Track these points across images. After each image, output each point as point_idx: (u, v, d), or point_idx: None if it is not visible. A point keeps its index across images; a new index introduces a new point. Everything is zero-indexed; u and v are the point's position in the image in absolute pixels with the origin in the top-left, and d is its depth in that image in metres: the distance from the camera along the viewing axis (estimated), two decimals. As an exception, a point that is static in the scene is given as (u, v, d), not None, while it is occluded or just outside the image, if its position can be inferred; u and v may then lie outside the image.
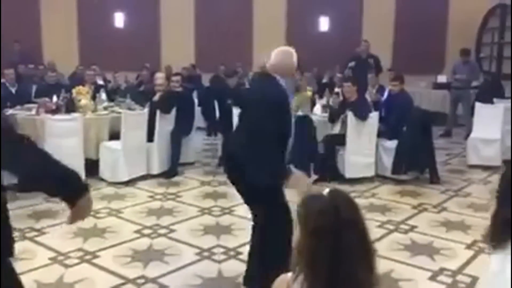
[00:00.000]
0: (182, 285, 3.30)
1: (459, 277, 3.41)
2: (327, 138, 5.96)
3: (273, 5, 11.65)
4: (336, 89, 7.33)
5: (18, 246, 3.94)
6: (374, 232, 4.17)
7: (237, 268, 3.54)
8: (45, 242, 4.00)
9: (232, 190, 5.55)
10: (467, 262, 3.65)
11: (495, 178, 6.02)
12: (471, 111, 7.29)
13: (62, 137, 5.32)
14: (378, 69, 8.64)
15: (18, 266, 3.52)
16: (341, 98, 6.24)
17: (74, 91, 6.15)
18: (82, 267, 3.56)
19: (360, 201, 5.05)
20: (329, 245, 1.29)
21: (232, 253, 3.81)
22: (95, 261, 3.65)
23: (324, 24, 11.63)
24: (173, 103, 6.25)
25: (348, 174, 5.75)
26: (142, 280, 3.34)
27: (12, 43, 10.66)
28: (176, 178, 6.00)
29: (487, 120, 6.67)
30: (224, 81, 7.87)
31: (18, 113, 5.86)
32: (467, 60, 8.91)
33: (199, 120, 7.98)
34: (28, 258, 3.64)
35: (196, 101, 7.93)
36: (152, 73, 7.76)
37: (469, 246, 3.95)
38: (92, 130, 5.80)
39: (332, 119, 6.08)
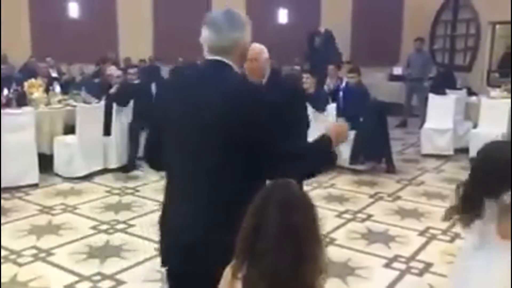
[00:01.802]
0: (141, 281, 3.26)
1: (412, 263, 3.53)
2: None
3: (232, -3, 11.59)
4: None
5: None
6: (332, 222, 4.28)
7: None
8: (-4, 240, 3.86)
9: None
10: (420, 249, 3.78)
11: (448, 167, 6.26)
12: (425, 102, 7.51)
13: (14, 132, 5.13)
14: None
15: (-33, 267, 3.39)
16: None
17: (26, 84, 5.94)
18: (36, 265, 3.47)
19: (318, 192, 5.15)
20: (256, 229, 1.27)
21: (191, 246, 3.80)
22: (49, 258, 3.56)
23: (283, 16, 11.67)
24: (130, 96, 6.13)
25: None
26: (99, 277, 3.28)
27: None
28: (134, 172, 5.91)
29: (440, 111, 6.89)
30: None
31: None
32: (421, 48, 9.23)
33: (158, 113, 7.87)
34: (-22, 258, 3.51)
35: (154, 93, 7.81)
36: (111, 65, 7.59)
37: (422, 233, 4.09)
38: (46, 124, 5.63)
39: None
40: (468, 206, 1.55)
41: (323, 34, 9.43)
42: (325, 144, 1.76)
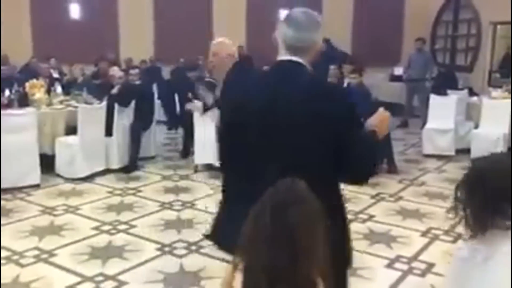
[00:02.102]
0: (143, 282, 3.27)
1: (414, 264, 3.53)
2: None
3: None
4: None
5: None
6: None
7: (198, 262, 3.53)
8: (-2, 241, 3.86)
9: (193, 184, 5.56)
10: (422, 249, 3.78)
11: (449, 167, 6.26)
12: (426, 102, 7.51)
13: (16, 133, 5.13)
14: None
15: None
16: None
17: (27, 85, 5.94)
18: (39, 266, 3.47)
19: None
20: (254, 229, 1.32)
21: (193, 247, 3.80)
22: (52, 259, 3.56)
23: (284, 15, 11.69)
24: (131, 96, 6.14)
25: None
26: (101, 278, 3.28)
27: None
28: (136, 173, 5.91)
29: (441, 111, 6.88)
30: (184, 74, 7.80)
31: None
32: (422, 48, 9.23)
33: (159, 113, 7.88)
34: (-19, 259, 3.51)
35: (156, 94, 7.82)
36: (111, 65, 7.59)
37: (424, 234, 4.09)
38: (47, 124, 5.63)
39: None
40: (477, 223, 1.53)
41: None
42: (373, 138, 1.81)
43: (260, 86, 1.81)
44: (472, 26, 10.16)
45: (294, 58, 1.73)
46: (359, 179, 1.85)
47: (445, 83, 8.12)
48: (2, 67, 7.78)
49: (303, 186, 1.39)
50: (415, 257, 3.63)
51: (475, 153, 6.23)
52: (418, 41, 9.27)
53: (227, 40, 3.25)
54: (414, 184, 5.55)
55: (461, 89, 8.02)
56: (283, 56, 1.76)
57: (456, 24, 10.65)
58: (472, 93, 7.92)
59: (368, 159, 1.75)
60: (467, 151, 6.48)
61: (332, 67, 7.81)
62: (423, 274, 3.39)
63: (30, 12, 11.48)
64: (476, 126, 6.79)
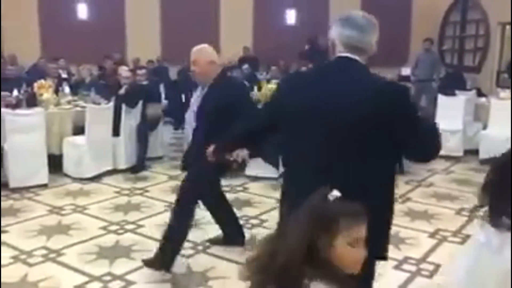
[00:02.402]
0: (150, 281, 3.27)
1: (423, 265, 3.50)
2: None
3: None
4: None
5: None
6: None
7: (205, 262, 3.53)
8: (6, 240, 3.88)
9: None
10: (431, 250, 3.76)
11: (457, 168, 6.22)
12: (434, 103, 7.47)
13: (24, 133, 5.16)
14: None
15: (-22, 267, 3.41)
16: None
17: (36, 85, 5.97)
18: (46, 265, 3.48)
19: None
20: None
21: (200, 247, 3.80)
22: (59, 259, 3.57)
23: (290, 17, 11.67)
24: (139, 97, 6.16)
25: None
26: (109, 277, 3.29)
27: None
28: (143, 173, 5.93)
29: (449, 112, 6.84)
30: (191, 75, 7.79)
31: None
32: (430, 48, 9.19)
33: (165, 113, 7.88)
34: (-11, 258, 3.53)
35: (163, 94, 7.83)
36: (116, 65, 7.62)
37: (432, 235, 4.06)
38: (55, 125, 5.65)
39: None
40: (497, 209, 1.54)
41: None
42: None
43: (320, 81, 1.87)
44: (480, 26, 10.11)
45: (353, 56, 1.84)
46: (429, 158, 1.96)
47: (453, 84, 8.07)
48: (10, 67, 7.83)
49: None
50: (423, 259, 3.61)
51: (484, 154, 6.19)
52: (426, 42, 9.24)
53: (207, 48, 3.25)
54: (422, 185, 5.52)
55: (469, 90, 7.97)
56: (342, 54, 1.86)
57: (464, 25, 10.59)
58: (480, 93, 7.87)
59: (434, 139, 1.85)
60: (475, 152, 6.45)
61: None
62: (431, 275, 3.37)
63: (38, 12, 11.54)
64: (485, 127, 6.75)
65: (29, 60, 9.76)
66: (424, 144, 1.83)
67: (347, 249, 1.31)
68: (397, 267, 3.48)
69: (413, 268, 3.46)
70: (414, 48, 10.53)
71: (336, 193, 1.36)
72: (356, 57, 1.84)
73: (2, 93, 5.89)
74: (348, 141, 1.73)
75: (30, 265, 3.48)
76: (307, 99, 1.82)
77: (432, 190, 5.31)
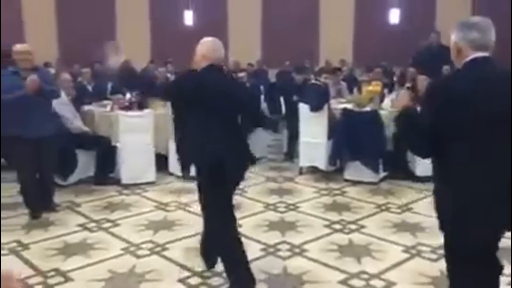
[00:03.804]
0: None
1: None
2: (397, 134, 5.77)
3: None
4: (407, 84, 7.04)
5: (94, 236, 4.18)
6: (320, 231, 4.01)
7: (302, 265, 3.52)
8: (118, 233, 4.19)
9: (297, 186, 5.57)
10: None
11: None
12: None
13: (135, 133, 5.53)
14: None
15: (94, 256, 3.74)
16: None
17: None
18: (152, 258, 3.69)
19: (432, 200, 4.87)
20: None
21: (297, 250, 3.80)
22: (164, 253, 3.77)
23: (394, 16, 11.27)
24: (239, 99, 6.31)
25: (419, 172, 5.53)
26: (209, 274, 3.41)
27: (88, 43, 11.24)
28: (242, 174, 6.05)
29: None
30: (290, 77, 7.84)
31: (95, 110, 6.18)
32: None
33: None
34: (103, 248, 3.84)
35: (262, 96, 7.96)
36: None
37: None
38: (162, 126, 5.98)
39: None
40: None
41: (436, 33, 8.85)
42: None
43: (469, 81, 2.05)
44: None
45: (485, 54, 2.07)
46: None
47: None
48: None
49: None
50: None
51: None
52: None
53: (205, 42, 3.24)
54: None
55: None
56: (475, 54, 2.07)
57: None
58: None
59: None
60: None
61: (445, 67, 7.35)
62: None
63: (149, 19, 12.37)
64: None
65: (141, 64, 10.48)
66: None
67: None
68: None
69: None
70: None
71: None
72: (486, 54, 2.07)
73: (117, 96, 6.39)
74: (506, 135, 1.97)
75: (138, 257, 3.71)
76: (482, 104, 1.98)
77: None
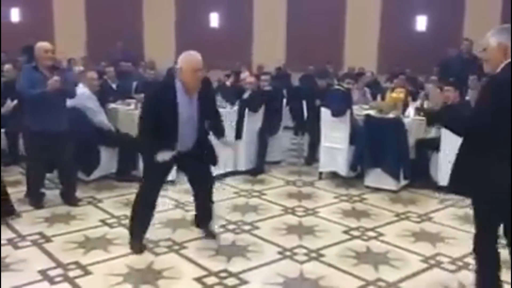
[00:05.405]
0: (263, 282, 3.33)
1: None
2: (420, 142, 5.70)
3: (367, 5, 11.38)
4: (417, 103, 6.87)
5: (114, 232, 4.25)
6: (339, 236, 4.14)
7: (319, 270, 3.51)
8: (137, 230, 4.23)
9: (316, 191, 5.55)
10: None
11: None
12: None
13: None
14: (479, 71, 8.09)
15: (113, 251, 3.80)
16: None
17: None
18: (170, 256, 3.73)
19: (454, 211, 4.81)
20: None
21: (314, 254, 3.79)
22: (182, 251, 3.81)
23: (421, 23, 11.14)
24: (262, 102, 6.34)
25: (441, 182, 5.43)
26: (225, 274, 3.43)
27: (115, 42, 11.44)
28: (261, 176, 6.08)
29: None
30: (313, 81, 7.83)
31: (119, 108, 6.27)
32: None
33: (286, 119, 8.01)
34: (122, 244, 3.88)
35: (284, 100, 7.97)
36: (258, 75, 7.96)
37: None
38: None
39: (431, 123, 5.71)
40: None
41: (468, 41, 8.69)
42: None
43: None
44: None
45: None
46: None
47: None
48: (150, 72, 8.61)
49: None
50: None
51: None
52: None
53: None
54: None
55: None
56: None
57: None
58: None
59: None
60: None
61: (472, 77, 7.21)
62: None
63: (175, 21, 12.51)
64: None
65: (166, 65, 10.61)
66: None
67: None
68: None
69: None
70: None
71: None
72: None
73: (141, 95, 6.47)
74: None
75: (157, 254, 3.76)
76: None
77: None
